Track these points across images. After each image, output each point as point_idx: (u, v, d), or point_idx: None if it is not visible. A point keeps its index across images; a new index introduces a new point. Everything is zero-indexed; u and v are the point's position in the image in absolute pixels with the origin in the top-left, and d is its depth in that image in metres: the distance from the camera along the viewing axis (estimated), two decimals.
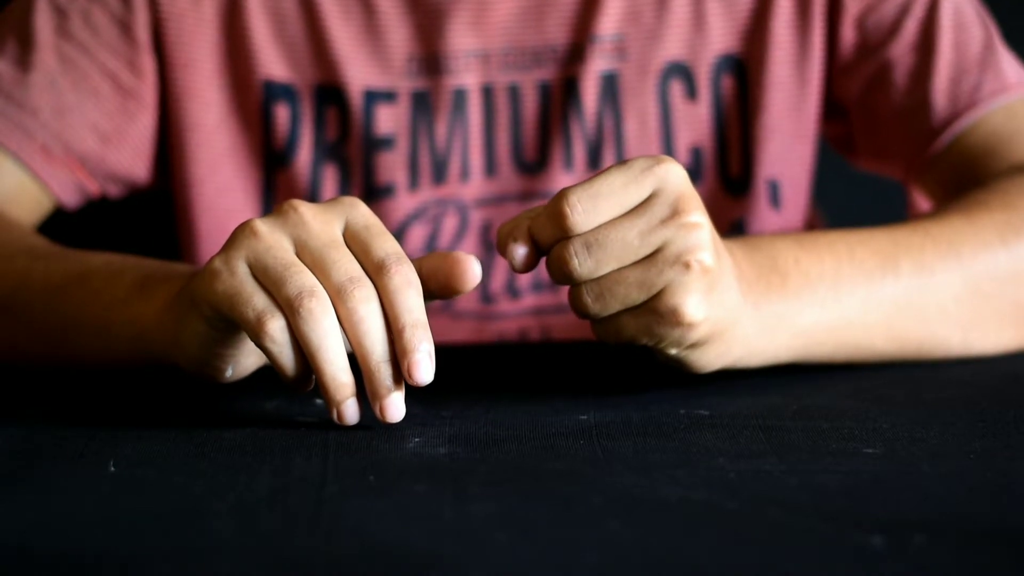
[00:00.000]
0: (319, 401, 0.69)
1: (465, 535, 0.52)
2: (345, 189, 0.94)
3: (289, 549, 0.51)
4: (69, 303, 0.75)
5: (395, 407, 0.62)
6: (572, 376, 0.77)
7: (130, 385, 0.74)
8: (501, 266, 0.94)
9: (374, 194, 0.94)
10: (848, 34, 0.93)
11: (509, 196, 0.94)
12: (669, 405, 0.69)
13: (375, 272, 0.62)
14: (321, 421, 0.66)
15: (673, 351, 0.66)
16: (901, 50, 0.91)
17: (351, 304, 0.61)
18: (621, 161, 0.65)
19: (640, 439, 0.63)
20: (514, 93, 0.93)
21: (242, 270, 0.62)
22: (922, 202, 0.95)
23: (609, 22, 0.92)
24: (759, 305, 0.69)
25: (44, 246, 0.82)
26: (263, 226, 0.63)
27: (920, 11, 0.91)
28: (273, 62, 0.92)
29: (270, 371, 0.66)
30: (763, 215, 0.96)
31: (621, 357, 0.79)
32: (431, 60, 0.92)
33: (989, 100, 0.90)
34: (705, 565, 0.49)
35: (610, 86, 0.93)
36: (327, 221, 0.64)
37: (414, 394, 0.71)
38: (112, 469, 0.60)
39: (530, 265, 0.65)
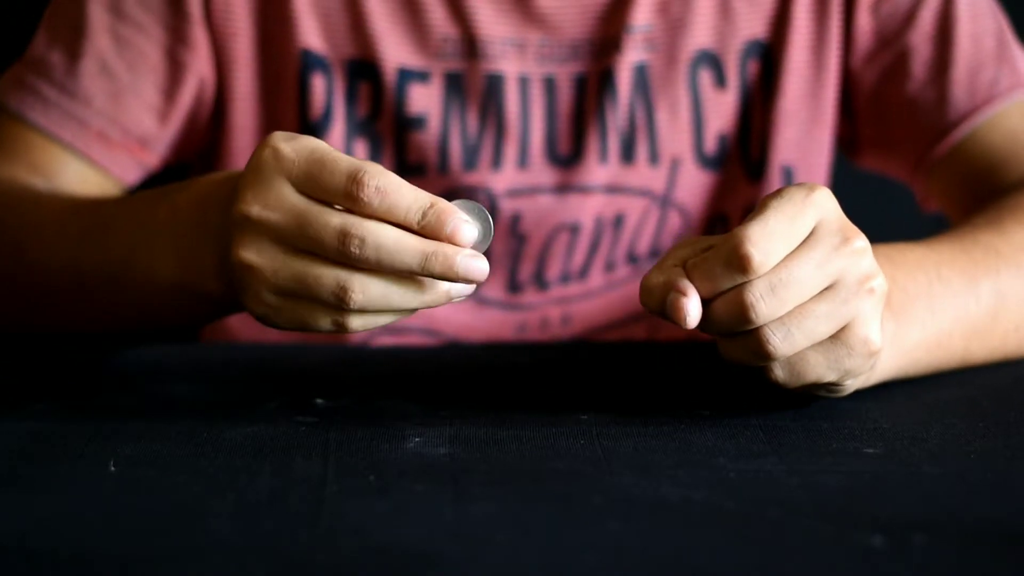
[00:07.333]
0: (319, 401, 0.69)
1: (465, 535, 0.52)
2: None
3: (289, 549, 0.51)
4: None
5: (472, 262, 0.61)
6: (572, 376, 0.77)
7: (130, 385, 0.74)
8: (529, 257, 0.94)
9: (405, 172, 0.93)
10: (863, 21, 0.93)
11: (541, 188, 0.94)
12: (669, 405, 0.69)
13: (347, 202, 0.61)
14: (321, 421, 0.66)
15: (851, 382, 0.65)
16: (918, 40, 0.92)
17: (358, 255, 0.61)
18: (775, 192, 0.63)
19: (640, 439, 0.63)
20: (550, 85, 0.93)
21: (268, 298, 0.63)
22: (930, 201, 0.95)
23: (641, 12, 0.92)
24: None
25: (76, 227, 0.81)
26: (252, 257, 0.62)
27: (935, 1, 0.92)
28: (311, 32, 0.92)
29: (270, 371, 0.66)
30: None
31: (621, 357, 0.79)
32: (468, 43, 0.92)
33: (1007, 95, 0.90)
34: (705, 565, 0.49)
35: (641, 77, 0.93)
36: (276, 208, 0.62)
37: (414, 394, 0.71)
38: (112, 469, 0.60)
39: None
